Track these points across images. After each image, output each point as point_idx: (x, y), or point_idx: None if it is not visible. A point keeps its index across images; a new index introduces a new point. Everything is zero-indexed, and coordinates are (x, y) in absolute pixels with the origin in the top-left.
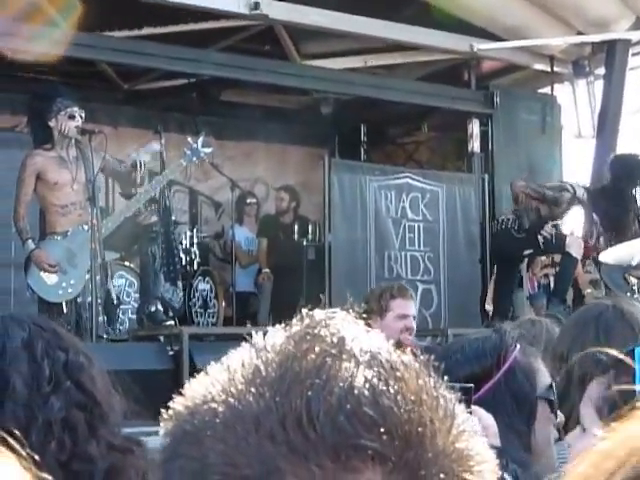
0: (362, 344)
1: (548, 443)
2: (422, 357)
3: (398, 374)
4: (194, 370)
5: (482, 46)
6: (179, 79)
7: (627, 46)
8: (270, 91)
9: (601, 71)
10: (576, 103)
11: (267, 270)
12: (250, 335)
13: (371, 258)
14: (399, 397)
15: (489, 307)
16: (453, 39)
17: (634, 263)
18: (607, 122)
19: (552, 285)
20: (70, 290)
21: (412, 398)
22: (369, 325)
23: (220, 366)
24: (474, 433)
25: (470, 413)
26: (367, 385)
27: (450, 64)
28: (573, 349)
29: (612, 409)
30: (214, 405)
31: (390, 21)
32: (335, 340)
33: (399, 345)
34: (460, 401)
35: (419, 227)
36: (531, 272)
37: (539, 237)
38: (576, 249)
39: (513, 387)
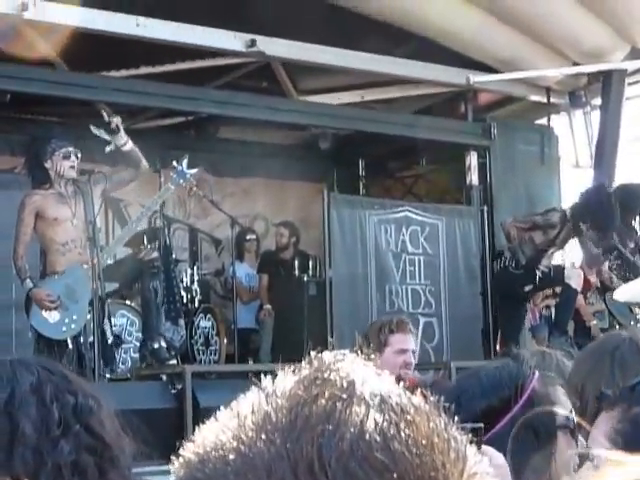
0: (372, 387)
1: (568, 472)
2: (432, 398)
3: (409, 417)
4: (197, 408)
5: (478, 78)
6: (177, 117)
7: (623, 76)
8: (268, 127)
9: (598, 101)
10: (573, 133)
11: (268, 306)
12: (253, 374)
13: (372, 292)
14: (410, 441)
15: (499, 349)
16: (449, 72)
17: None
18: (605, 152)
19: (553, 316)
20: (73, 326)
21: (423, 442)
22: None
23: (229, 411)
24: (486, 475)
25: (481, 453)
26: (378, 430)
27: (447, 97)
28: (588, 383)
29: (626, 443)
30: (225, 453)
31: (386, 55)
32: (345, 384)
33: (399, 380)
34: (471, 442)
35: (419, 260)
36: (532, 303)
37: (537, 271)
38: (576, 280)
39: (532, 419)
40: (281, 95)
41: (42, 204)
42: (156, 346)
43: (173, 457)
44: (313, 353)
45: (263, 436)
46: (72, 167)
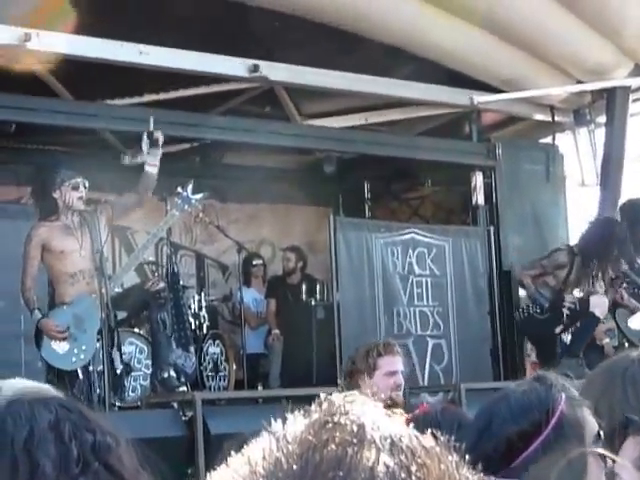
0: (382, 430)
1: None
2: (443, 436)
3: (419, 461)
4: (208, 435)
5: (482, 99)
6: (182, 144)
7: (627, 93)
8: (272, 152)
9: (602, 119)
10: (578, 152)
11: (277, 331)
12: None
13: (380, 315)
14: None
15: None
16: (452, 93)
17: None
18: (610, 169)
19: (569, 340)
20: (82, 356)
21: None
22: (358, 385)
23: (241, 457)
24: None
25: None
26: (389, 474)
27: (451, 118)
28: (600, 405)
29: None
30: None
31: (389, 78)
32: (355, 428)
33: (391, 402)
34: None
35: (427, 282)
36: None
37: (563, 310)
38: (600, 309)
39: (563, 442)
40: (285, 119)
41: (48, 236)
42: (166, 375)
43: None
44: (323, 395)
45: None
46: (80, 198)
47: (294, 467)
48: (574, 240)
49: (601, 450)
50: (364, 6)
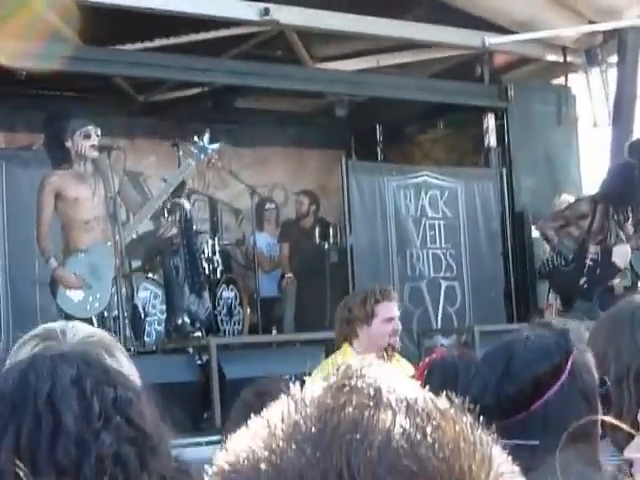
0: (398, 393)
1: None
2: (456, 400)
3: (435, 423)
4: (223, 380)
5: (493, 40)
6: (193, 89)
7: (639, 32)
8: (284, 96)
9: (614, 59)
10: (590, 92)
11: (290, 275)
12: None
13: (393, 258)
14: (437, 446)
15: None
16: (464, 34)
17: None
18: (622, 109)
19: (585, 285)
20: (97, 304)
21: (450, 446)
22: (356, 332)
23: (260, 420)
24: (512, 474)
25: None
26: (405, 436)
27: (463, 60)
28: (608, 348)
29: None
30: (257, 462)
31: (400, 20)
32: (372, 391)
33: (390, 348)
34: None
35: (439, 225)
36: None
37: (587, 262)
38: (622, 259)
39: (580, 384)
40: (296, 63)
41: (61, 184)
42: (179, 322)
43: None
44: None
45: (293, 445)
46: (92, 146)
47: (312, 430)
48: (586, 181)
49: (609, 419)
50: None
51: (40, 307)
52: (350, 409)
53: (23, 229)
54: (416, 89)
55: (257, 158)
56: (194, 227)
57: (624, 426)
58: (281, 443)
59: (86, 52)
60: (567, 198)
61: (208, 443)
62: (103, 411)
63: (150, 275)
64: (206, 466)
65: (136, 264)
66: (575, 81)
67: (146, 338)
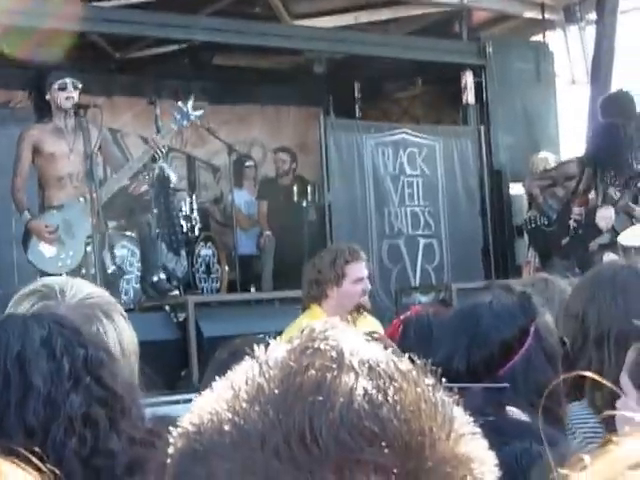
0: (361, 355)
1: None
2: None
3: (396, 385)
4: (201, 338)
5: None
6: (170, 46)
7: None
8: (262, 53)
9: (592, 16)
10: (569, 50)
11: (268, 232)
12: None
13: (371, 216)
14: (398, 408)
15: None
16: None
17: None
18: (600, 67)
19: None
20: (69, 261)
21: (411, 408)
22: (325, 294)
23: (225, 382)
24: (473, 435)
25: None
26: (367, 398)
27: (441, 17)
28: (589, 309)
29: None
30: (221, 424)
31: None
32: (334, 354)
33: (360, 308)
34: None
35: (417, 182)
36: None
37: (570, 222)
38: (606, 221)
39: (544, 346)
40: (274, 20)
41: (40, 138)
42: (155, 279)
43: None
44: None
45: (257, 407)
46: (68, 98)
47: (275, 392)
48: (564, 138)
49: (592, 375)
50: None
51: (17, 264)
52: (313, 371)
53: (0, 186)
54: (394, 46)
55: (235, 115)
56: (171, 185)
57: (608, 383)
58: (244, 405)
59: (63, 9)
60: (544, 155)
61: (185, 401)
62: (73, 371)
63: (127, 233)
64: (170, 428)
65: (113, 222)
66: (553, 38)
67: (124, 296)
